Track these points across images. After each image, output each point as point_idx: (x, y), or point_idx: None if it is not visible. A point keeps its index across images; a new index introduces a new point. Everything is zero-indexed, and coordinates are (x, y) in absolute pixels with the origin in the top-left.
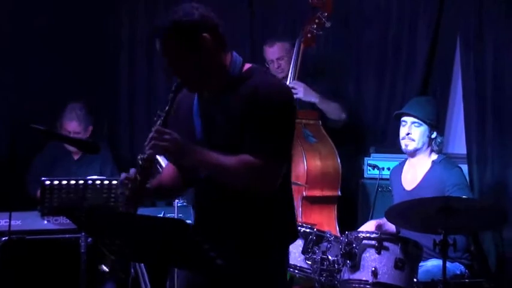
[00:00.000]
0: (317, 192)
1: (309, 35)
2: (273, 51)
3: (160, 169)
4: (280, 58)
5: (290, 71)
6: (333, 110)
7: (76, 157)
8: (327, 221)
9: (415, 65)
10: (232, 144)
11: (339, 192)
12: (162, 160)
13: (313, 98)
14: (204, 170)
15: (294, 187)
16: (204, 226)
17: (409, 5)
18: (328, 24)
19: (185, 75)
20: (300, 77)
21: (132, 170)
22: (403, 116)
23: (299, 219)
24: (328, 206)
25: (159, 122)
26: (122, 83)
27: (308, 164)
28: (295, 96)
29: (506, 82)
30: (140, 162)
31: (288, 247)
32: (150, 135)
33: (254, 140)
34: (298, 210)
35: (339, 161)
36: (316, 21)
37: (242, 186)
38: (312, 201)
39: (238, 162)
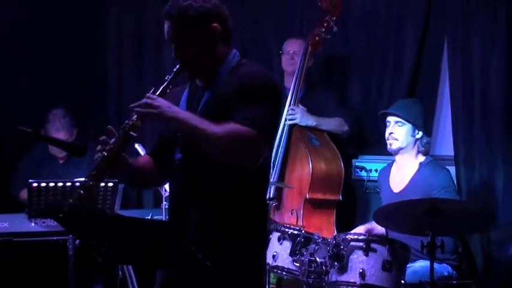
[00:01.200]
0: (320, 195)
1: (317, 38)
2: (294, 44)
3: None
4: (296, 53)
5: (296, 73)
6: (334, 127)
7: (61, 161)
8: (326, 226)
9: (402, 68)
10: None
11: (340, 197)
12: (140, 150)
13: (310, 121)
14: (191, 131)
15: (293, 191)
16: (176, 219)
17: (396, 8)
18: (335, 29)
19: (187, 60)
20: (305, 79)
21: (111, 129)
22: (388, 116)
23: (299, 222)
24: (328, 211)
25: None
26: (110, 82)
27: (313, 166)
28: (293, 121)
29: (493, 84)
30: (125, 125)
31: (263, 248)
32: (141, 101)
33: (241, 114)
34: (300, 213)
35: (342, 165)
36: (325, 25)
37: (228, 152)
38: (313, 205)
39: (227, 128)
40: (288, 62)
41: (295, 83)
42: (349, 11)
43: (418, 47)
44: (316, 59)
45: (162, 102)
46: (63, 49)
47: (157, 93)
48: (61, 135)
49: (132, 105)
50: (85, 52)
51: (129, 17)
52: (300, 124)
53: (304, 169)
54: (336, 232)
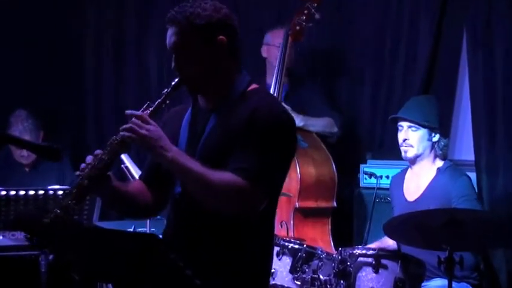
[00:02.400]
0: (311, 203)
1: (297, 28)
2: (282, 35)
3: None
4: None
5: (277, 67)
6: (323, 128)
7: (28, 169)
8: (320, 236)
9: (415, 63)
10: (217, 163)
11: (335, 204)
12: (135, 171)
13: (297, 121)
14: (182, 176)
15: (283, 198)
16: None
17: None
18: (317, 16)
19: (189, 72)
20: (287, 74)
21: (98, 151)
22: (399, 120)
23: (290, 233)
24: (322, 219)
25: (146, 112)
26: (87, 81)
27: (301, 171)
28: None
29: None
30: (112, 141)
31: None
32: (130, 121)
33: (242, 160)
34: (290, 224)
35: (334, 168)
36: (305, 12)
37: (220, 205)
38: (305, 214)
39: (221, 178)
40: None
41: (276, 79)
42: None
43: (434, 39)
44: (315, 53)
45: (150, 131)
46: (35, 45)
47: (151, 109)
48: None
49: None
50: (59, 49)
51: (108, 12)
52: None
53: (291, 175)
54: (333, 244)
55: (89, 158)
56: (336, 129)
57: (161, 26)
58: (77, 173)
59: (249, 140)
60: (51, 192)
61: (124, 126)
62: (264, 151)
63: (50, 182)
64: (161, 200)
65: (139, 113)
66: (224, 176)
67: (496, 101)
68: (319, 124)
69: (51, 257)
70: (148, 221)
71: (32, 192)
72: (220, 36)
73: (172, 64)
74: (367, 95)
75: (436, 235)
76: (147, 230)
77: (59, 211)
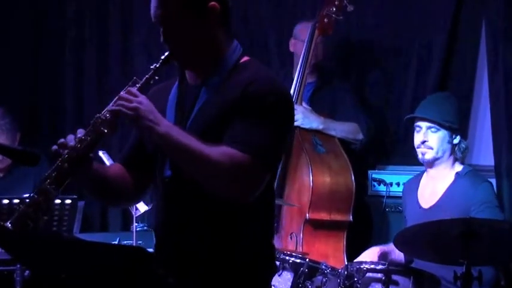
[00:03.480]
0: (324, 216)
1: (325, 20)
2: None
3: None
4: None
5: (299, 64)
6: (345, 134)
7: (2, 174)
8: (333, 253)
9: (430, 58)
10: (209, 140)
11: (351, 218)
12: (105, 158)
13: (315, 123)
14: (175, 152)
15: (293, 209)
16: (165, 248)
17: None
18: (350, 8)
19: (179, 45)
20: (315, 70)
21: (80, 130)
22: (417, 120)
23: (299, 247)
24: (336, 234)
25: (134, 87)
26: (67, 71)
27: (314, 179)
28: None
29: None
30: (96, 119)
31: (268, 283)
32: (119, 95)
33: (241, 134)
34: (299, 237)
35: (353, 178)
36: (336, 3)
37: (221, 182)
38: (316, 227)
39: (220, 152)
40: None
41: (298, 76)
42: None
43: (449, 33)
44: (327, 47)
45: (142, 104)
46: (13, 40)
47: (139, 85)
48: (0, 140)
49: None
50: (38, 43)
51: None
52: (302, 127)
53: (303, 182)
54: (346, 261)
55: (70, 138)
56: (361, 136)
57: (147, 16)
58: (54, 147)
59: (246, 113)
60: (27, 200)
61: (113, 101)
62: (262, 124)
63: (27, 187)
64: (142, 185)
65: (128, 88)
66: (222, 149)
67: None
68: (341, 129)
69: (26, 272)
70: (134, 232)
71: (5, 201)
72: (212, 3)
73: (161, 37)
74: (377, 94)
75: (452, 248)
76: (133, 242)
77: (37, 197)
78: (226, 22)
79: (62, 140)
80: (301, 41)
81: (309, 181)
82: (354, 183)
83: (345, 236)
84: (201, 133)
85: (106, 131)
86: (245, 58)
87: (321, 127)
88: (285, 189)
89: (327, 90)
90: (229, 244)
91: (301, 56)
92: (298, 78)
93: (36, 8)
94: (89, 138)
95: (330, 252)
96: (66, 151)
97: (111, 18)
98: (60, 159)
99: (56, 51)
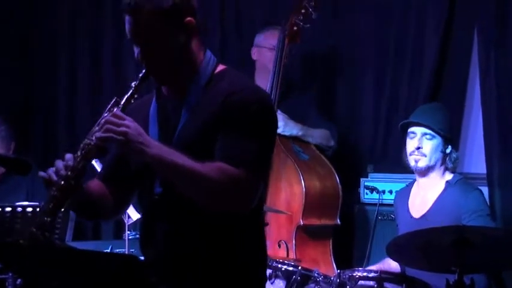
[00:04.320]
0: (315, 221)
1: (294, 28)
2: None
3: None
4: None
5: (271, 72)
6: (320, 140)
7: None
8: (322, 257)
9: (421, 66)
10: (196, 156)
11: (338, 221)
12: (98, 166)
13: (295, 130)
14: (168, 172)
15: (280, 217)
16: (156, 261)
17: None
18: (314, 16)
19: (157, 61)
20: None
21: (69, 156)
22: (411, 126)
23: (291, 254)
24: (324, 239)
25: (115, 108)
26: (60, 79)
27: (306, 185)
28: None
29: None
30: (84, 145)
31: None
32: (104, 118)
33: (232, 149)
34: (291, 243)
35: (338, 181)
36: (303, 11)
37: (218, 198)
38: (308, 233)
39: (214, 169)
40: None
41: (272, 84)
42: None
43: (441, 39)
44: (312, 54)
45: (130, 127)
46: (4, 44)
47: (122, 105)
48: None
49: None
50: (31, 49)
51: (83, 11)
52: (283, 134)
53: (294, 189)
54: (334, 265)
55: (59, 164)
56: (332, 143)
57: None
58: (43, 174)
59: (232, 125)
60: (19, 209)
61: (99, 127)
62: (249, 135)
63: (19, 197)
64: (122, 201)
65: (113, 111)
66: (215, 166)
67: (509, 107)
68: (317, 135)
69: (19, 281)
70: (126, 241)
71: None
72: (188, 18)
73: (139, 56)
74: (368, 101)
75: (444, 256)
76: (125, 250)
77: (35, 230)
78: (199, 33)
79: (53, 169)
80: (267, 48)
81: (301, 188)
82: (340, 186)
83: (331, 241)
84: (187, 149)
85: (95, 156)
86: (220, 67)
87: (300, 133)
88: (268, 197)
89: (292, 100)
90: (222, 256)
91: (273, 63)
92: (272, 86)
93: (27, 16)
94: (79, 166)
95: (320, 257)
96: (59, 181)
97: (105, 25)
98: (54, 189)
99: (49, 58)
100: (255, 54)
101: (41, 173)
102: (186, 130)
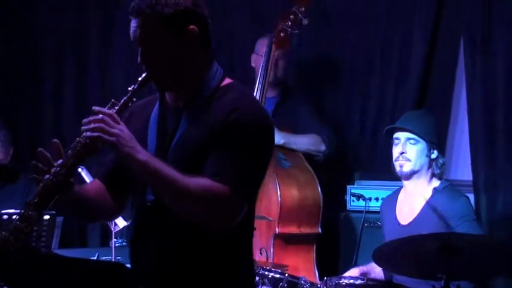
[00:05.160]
0: (293, 229)
1: (282, 34)
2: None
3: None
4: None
5: (258, 78)
6: (307, 146)
7: None
8: (303, 265)
9: (408, 72)
10: (191, 168)
11: (319, 229)
12: (84, 174)
13: (276, 139)
14: (154, 181)
15: (262, 222)
16: (144, 268)
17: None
18: (305, 22)
19: (157, 67)
20: (276, 86)
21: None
22: (396, 132)
23: (269, 261)
24: (305, 246)
25: (111, 110)
26: (44, 82)
27: (282, 194)
28: None
29: None
30: (76, 144)
31: None
32: (99, 116)
33: (220, 165)
34: (270, 251)
35: (319, 191)
36: (291, 17)
37: (198, 213)
38: (286, 240)
39: (198, 184)
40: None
41: (257, 91)
42: (343, 2)
43: (428, 45)
44: (300, 61)
45: (121, 131)
46: None
47: (117, 108)
48: None
49: (84, 120)
50: (15, 51)
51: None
52: None
53: (271, 197)
54: (317, 272)
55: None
56: (323, 148)
57: (127, 23)
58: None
59: (227, 143)
60: (5, 217)
61: (92, 126)
62: (243, 155)
63: (13, 205)
64: (122, 201)
65: (109, 111)
66: (201, 182)
67: (495, 115)
68: (303, 142)
69: None
70: (113, 248)
71: None
72: (191, 26)
73: (139, 59)
74: (355, 109)
75: (431, 263)
76: (112, 258)
77: (19, 223)
78: (206, 46)
79: (44, 154)
80: (260, 55)
81: (276, 196)
82: (321, 196)
83: (314, 248)
84: (183, 161)
85: (86, 155)
86: (227, 81)
87: (281, 142)
88: None
89: (289, 106)
90: (211, 265)
91: (260, 70)
92: (258, 93)
93: (14, 24)
94: (69, 163)
95: (301, 265)
96: (47, 176)
97: (91, 34)
98: (41, 184)
99: (35, 66)
100: (253, 61)
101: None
102: (184, 140)
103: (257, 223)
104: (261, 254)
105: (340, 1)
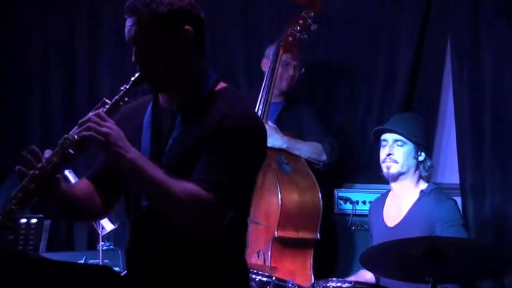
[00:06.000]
0: (292, 234)
1: (290, 39)
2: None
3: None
4: (289, 62)
5: (264, 82)
6: (309, 154)
7: None
8: (300, 270)
9: (395, 76)
10: (184, 172)
11: (318, 235)
12: (72, 177)
13: (279, 142)
14: (140, 181)
15: (259, 227)
16: (139, 272)
17: (388, 3)
18: (314, 27)
19: (150, 67)
20: (285, 92)
21: (47, 151)
22: (383, 134)
23: (267, 263)
24: (303, 251)
25: (102, 109)
26: (33, 82)
27: (283, 197)
28: None
29: (507, 96)
30: (64, 140)
31: None
32: (87, 117)
33: (208, 171)
34: (267, 255)
35: (320, 196)
36: (300, 22)
37: (182, 217)
38: (284, 244)
39: (185, 189)
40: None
41: (262, 94)
42: (329, 6)
43: (415, 49)
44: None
45: (112, 130)
46: None
47: (108, 107)
48: None
49: (80, 121)
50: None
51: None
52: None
53: (271, 201)
54: (313, 279)
55: (48, 152)
56: (324, 157)
57: (113, 22)
58: (18, 167)
59: (217, 149)
60: None
61: (81, 123)
62: (233, 162)
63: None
64: (109, 204)
65: (97, 110)
66: (187, 186)
67: (483, 118)
68: (305, 149)
69: None
70: (100, 251)
71: None
72: (186, 27)
73: (133, 57)
74: (342, 112)
75: (418, 266)
76: (99, 261)
77: (1, 218)
78: (201, 48)
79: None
80: (268, 59)
81: (277, 200)
82: (322, 202)
83: (311, 254)
84: (175, 165)
85: (73, 152)
86: (221, 85)
87: (284, 146)
88: (251, 208)
89: (294, 111)
90: (205, 268)
91: (266, 74)
92: (263, 97)
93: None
94: (55, 159)
95: (298, 270)
96: (32, 171)
97: (77, 36)
98: (26, 179)
99: (22, 68)
100: (263, 65)
101: (17, 166)
102: (178, 144)
103: (254, 226)
104: (258, 257)
105: (327, 5)
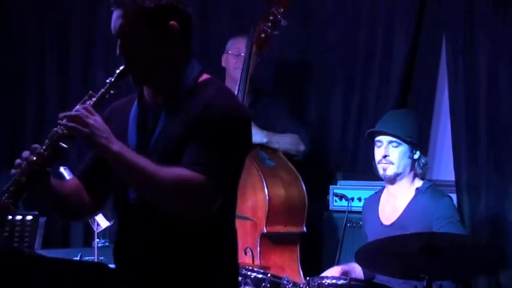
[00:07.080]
0: (280, 228)
1: (262, 35)
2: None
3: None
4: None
5: (239, 79)
6: (288, 146)
7: None
8: (288, 264)
9: (390, 74)
10: (172, 163)
11: (304, 228)
12: (66, 174)
13: (259, 137)
14: (127, 172)
15: (246, 224)
16: (128, 267)
17: (383, 0)
18: (284, 23)
19: (135, 61)
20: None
21: (36, 145)
22: (378, 135)
23: (256, 261)
24: (290, 246)
25: (89, 102)
26: (29, 82)
27: (270, 192)
28: None
29: (502, 93)
30: (53, 133)
31: None
32: (74, 110)
33: (195, 156)
34: (256, 251)
35: (304, 188)
36: (271, 18)
37: (173, 202)
38: (272, 240)
39: (172, 173)
40: (240, 66)
41: (239, 91)
42: (324, 3)
43: (410, 46)
44: (281, 63)
45: (96, 122)
46: None
47: (95, 100)
48: None
49: (62, 114)
50: None
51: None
52: None
53: (258, 197)
54: (301, 271)
55: (26, 153)
56: (302, 147)
57: (109, 20)
58: (13, 171)
59: (202, 136)
60: None
61: (67, 114)
62: (219, 147)
63: None
64: (100, 199)
65: (85, 105)
66: (175, 170)
67: (478, 115)
68: (284, 141)
69: None
70: (96, 248)
71: None
72: (172, 22)
73: (117, 50)
74: (337, 108)
75: (413, 263)
76: (95, 258)
77: None
78: (186, 43)
79: (19, 160)
80: (232, 54)
81: (264, 195)
82: (306, 194)
83: (298, 248)
84: (163, 156)
85: (63, 145)
86: (204, 76)
87: (264, 140)
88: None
89: (260, 107)
90: (196, 263)
91: (241, 70)
92: (239, 94)
93: None
94: (46, 152)
95: (286, 264)
96: (23, 163)
97: (72, 31)
98: (17, 172)
99: (17, 65)
100: (223, 61)
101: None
102: (163, 137)
103: (241, 223)
104: (245, 254)
105: (321, 1)
